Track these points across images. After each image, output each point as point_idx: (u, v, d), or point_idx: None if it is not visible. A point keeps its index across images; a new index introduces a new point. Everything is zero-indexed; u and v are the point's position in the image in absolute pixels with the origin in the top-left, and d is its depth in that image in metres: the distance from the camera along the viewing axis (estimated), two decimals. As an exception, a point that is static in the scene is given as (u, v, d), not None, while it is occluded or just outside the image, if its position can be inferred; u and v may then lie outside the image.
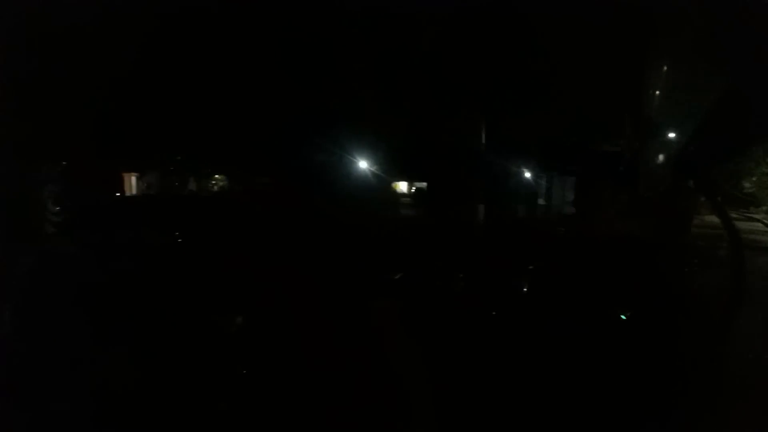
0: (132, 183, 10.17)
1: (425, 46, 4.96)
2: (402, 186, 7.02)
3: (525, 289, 4.44)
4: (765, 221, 10.78)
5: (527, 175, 5.67)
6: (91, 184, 5.85)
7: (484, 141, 5.24)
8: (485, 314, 4.04)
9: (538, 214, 5.72)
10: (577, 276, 4.37)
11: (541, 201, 5.81)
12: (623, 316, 3.71)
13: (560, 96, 5.09)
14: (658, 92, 4.11)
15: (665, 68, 3.87)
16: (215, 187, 7.87)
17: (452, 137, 5.15)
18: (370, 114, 5.35)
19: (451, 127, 5.17)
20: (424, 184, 5.76)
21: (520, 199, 5.47)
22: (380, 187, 5.15)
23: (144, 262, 4.23)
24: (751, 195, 11.37)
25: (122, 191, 9.00)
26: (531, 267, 4.60)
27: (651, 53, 3.97)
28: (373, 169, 5.07)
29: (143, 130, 5.97)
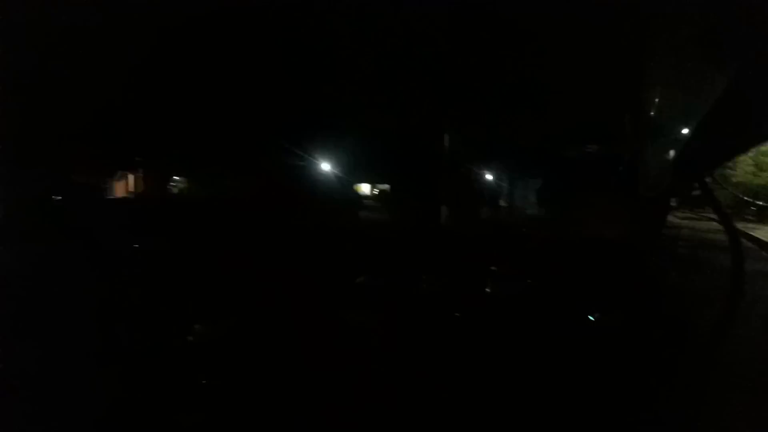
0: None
1: (387, 48, 4.94)
2: (365, 188, 6.98)
3: (488, 290, 4.46)
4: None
5: (489, 177, 5.72)
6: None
7: (446, 143, 5.25)
8: (449, 316, 4.04)
9: (501, 216, 5.78)
10: (541, 277, 4.42)
11: (503, 203, 5.87)
12: (591, 317, 3.73)
13: (524, 99, 5.14)
14: (641, 94, 4.13)
15: (644, 69, 3.90)
16: (174, 190, 7.68)
17: (415, 139, 5.15)
18: (332, 116, 5.30)
19: (414, 128, 5.17)
20: (386, 186, 5.75)
21: (482, 201, 5.51)
22: (342, 189, 5.11)
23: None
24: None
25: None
26: (494, 268, 4.63)
27: (625, 53, 4.00)
28: (335, 171, 5.02)
29: (102, 133, 5.77)
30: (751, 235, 11.73)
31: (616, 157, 4.60)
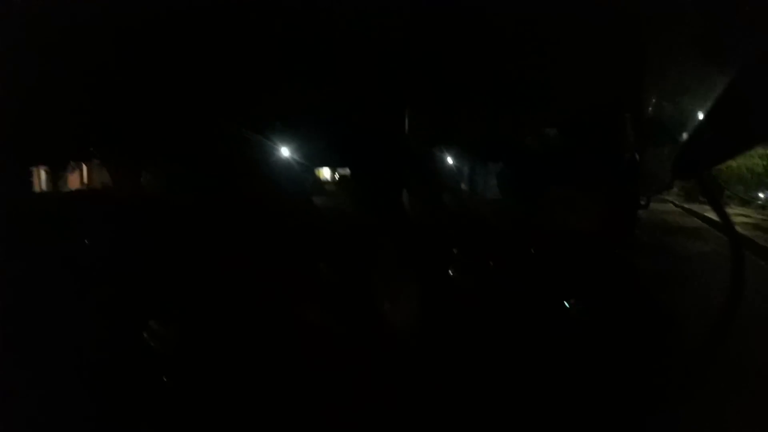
0: (41, 178, 9.44)
1: (347, 28, 4.84)
2: (325, 173, 6.89)
3: (450, 274, 4.46)
4: (675, 202, 11.61)
5: (451, 161, 5.71)
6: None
7: (407, 127, 5.20)
8: (410, 301, 4.02)
9: (463, 200, 5.79)
10: (503, 261, 4.45)
11: (464, 186, 5.89)
12: (566, 303, 3.73)
13: (487, 85, 5.13)
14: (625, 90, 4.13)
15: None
16: (130, 179, 7.42)
17: (376, 123, 5.08)
18: (290, 99, 5.17)
19: (375, 112, 5.10)
20: (347, 171, 5.66)
21: (445, 186, 5.51)
22: (302, 174, 5.01)
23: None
24: (663, 177, 12.17)
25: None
26: (455, 251, 4.63)
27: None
28: (294, 155, 4.91)
29: (48, 121, 5.51)
30: (705, 215, 12.17)
31: (585, 147, 4.64)
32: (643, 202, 4.30)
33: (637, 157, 4.11)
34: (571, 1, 3.70)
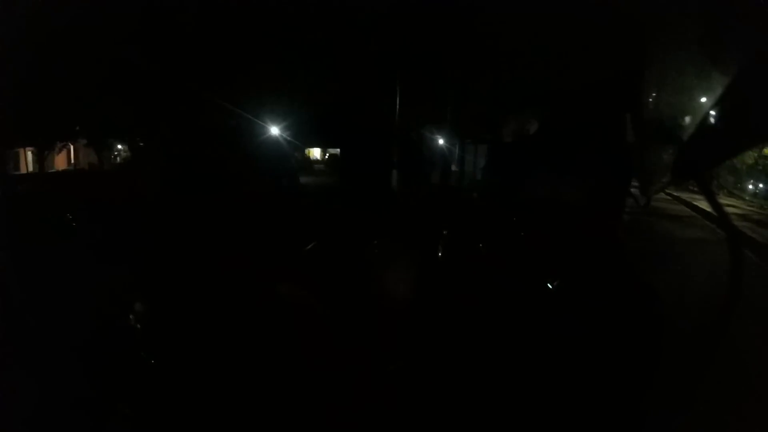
0: (27, 159, 9.30)
1: (338, 12, 4.80)
2: (315, 152, 6.89)
3: (440, 254, 4.45)
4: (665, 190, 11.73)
5: (441, 141, 5.70)
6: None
7: (397, 107, 5.18)
8: (401, 280, 4.01)
9: (452, 180, 5.80)
10: (492, 241, 4.44)
11: (454, 167, 5.89)
12: (549, 285, 3.71)
13: (475, 67, 5.11)
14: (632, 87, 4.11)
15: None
16: (118, 159, 7.35)
17: (365, 103, 5.06)
18: (281, 78, 5.14)
19: (365, 92, 5.07)
20: (337, 151, 5.65)
21: (433, 166, 5.50)
22: (292, 153, 4.98)
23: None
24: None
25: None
26: (445, 232, 4.63)
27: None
28: (284, 135, 4.88)
29: (37, 99, 5.44)
30: (694, 204, 12.28)
31: (572, 132, 4.63)
32: (642, 203, 4.29)
33: (630, 155, 4.12)
34: (573, 1, 3.69)
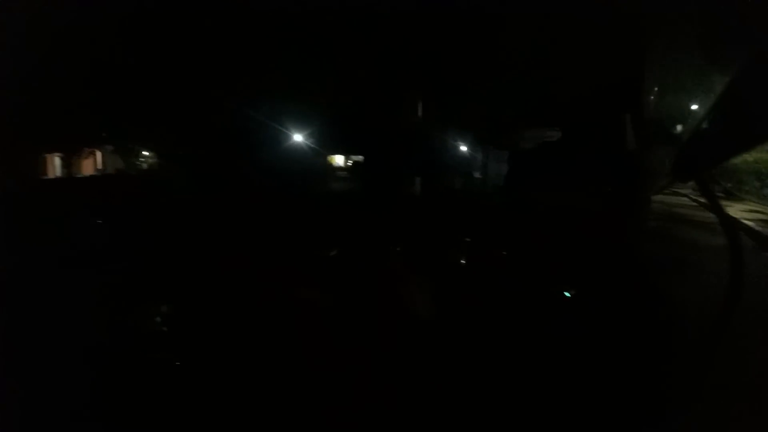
0: (55, 164, 9.52)
1: (363, 18, 4.82)
2: (338, 159, 6.92)
3: (462, 261, 4.44)
4: (691, 195, 11.44)
5: (463, 147, 5.68)
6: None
7: (420, 113, 5.19)
8: (423, 287, 4.00)
9: (475, 187, 5.76)
10: (515, 248, 4.41)
11: (477, 174, 5.86)
12: (567, 293, 3.69)
13: (499, 72, 5.10)
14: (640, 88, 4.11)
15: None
16: (144, 165, 7.48)
17: (389, 110, 5.07)
18: (306, 86, 5.18)
19: (388, 99, 5.08)
20: (360, 158, 5.67)
21: (456, 172, 5.48)
22: (316, 160, 5.01)
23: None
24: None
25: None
26: (468, 239, 4.61)
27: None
28: (309, 142, 4.92)
29: (65, 107, 5.58)
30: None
31: (595, 137, 4.60)
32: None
33: (636, 155, 4.07)
34: (575, 3, 3.68)
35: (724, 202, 12.57)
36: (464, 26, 4.78)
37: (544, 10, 4.01)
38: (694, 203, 12.57)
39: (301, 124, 4.83)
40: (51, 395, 2.62)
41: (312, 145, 4.86)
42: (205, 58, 4.94)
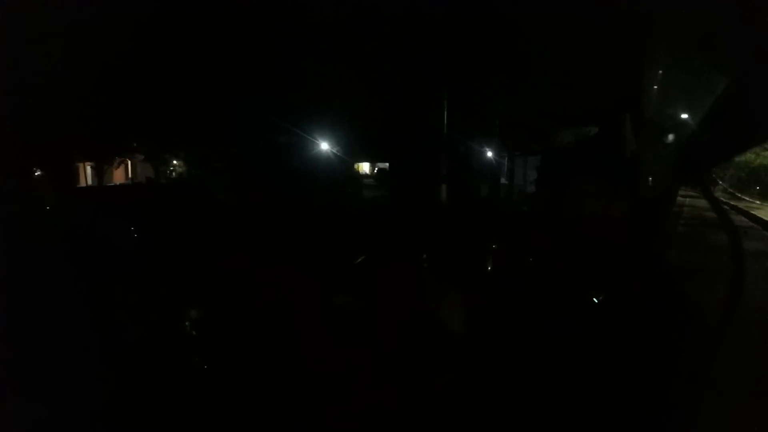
0: (87, 173, 9.79)
1: (387, 26, 4.87)
2: (364, 167, 6.97)
3: (490, 269, 4.43)
4: (722, 199, 11.25)
5: (489, 154, 5.68)
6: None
7: (446, 120, 5.20)
8: (450, 294, 4.01)
9: (501, 194, 5.75)
10: (543, 255, 4.39)
11: (503, 180, 5.84)
12: (595, 299, 3.66)
13: (524, 80, 5.09)
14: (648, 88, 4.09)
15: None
16: (173, 174, 7.64)
17: (415, 117, 5.10)
18: (332, 95, 5.24)
19: (414, 107, 5.12)
20: (386, 165, 5.70)
21: (482, 179, 5.48)
22: (342, 168, 5.06)
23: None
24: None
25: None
26: (495, 246, 4.60)
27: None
28: (334, 150, 4.97)
29: (95, 115, 5.72)
30: (752, 214, 11.69)
31: (618, 143, 4.56)
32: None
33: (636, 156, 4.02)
34: (577, 4, 3.67)
35: (751, 206, 12.27)
36: (493, 31, 4.78)
37: (564, 12, 4.01)
38: (725, 207, 12.32)
39: (327, 132, 4.89)
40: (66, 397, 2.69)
41: (338, 153, 4.91)
42: (233, 66, 5.04)
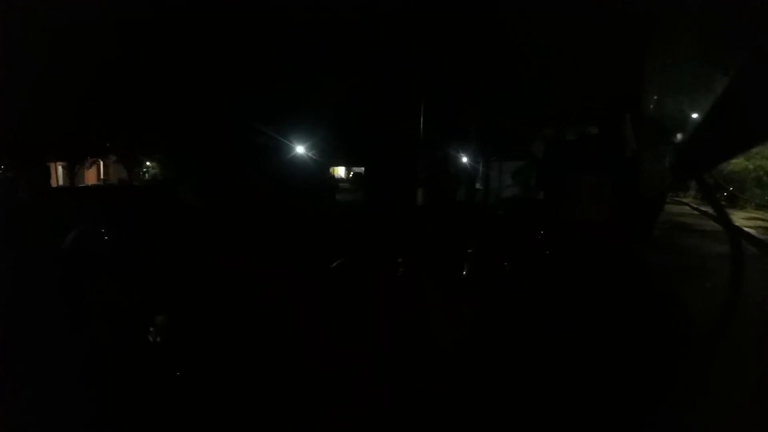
0: (58, 173, 9.57)
1: (363, 27, 4.85)
2: (340, 171, 6.98)
3: (464, 272, 4.43)
4: (692, 204, 11.47)
5: (465, 159, 5.71)
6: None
7: (422, 125, 5.21)
8: (425, 298, 3.99)
9: (477, 198, 5.78)
10: (519, 259, 4.40)
11: (479, 185, 5.89)
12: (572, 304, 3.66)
13: (499, 85, 5.13)
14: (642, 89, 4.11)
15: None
16: (146, 175, 7.51)
17: (390, 121, 5.10)
18: (307, 97, 5.21)
19: (389, 110, 5.12)
20: (362, 169, 5.68)
21: (458, 183, 5.49)
22: (317, 171, 5.03)
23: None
24: (680, 180, 12.14)
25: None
26: (470, 250, 4.60)
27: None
28: (309, 153, 4.94)
29: (66, 113, 5.60)
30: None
31: (605, 145, 4.59)
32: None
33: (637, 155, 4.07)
34: (575, 4, 3.69)
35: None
36: (465, 29, 4.78)
37: (547, 11, 4.01)
38: (695, 211, 12.59)
39: (302, 135, 4.85)
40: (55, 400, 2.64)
41: (314, 156, 4.88)
42: (207, 66, 4.97)
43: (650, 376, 2.84)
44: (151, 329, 3.38)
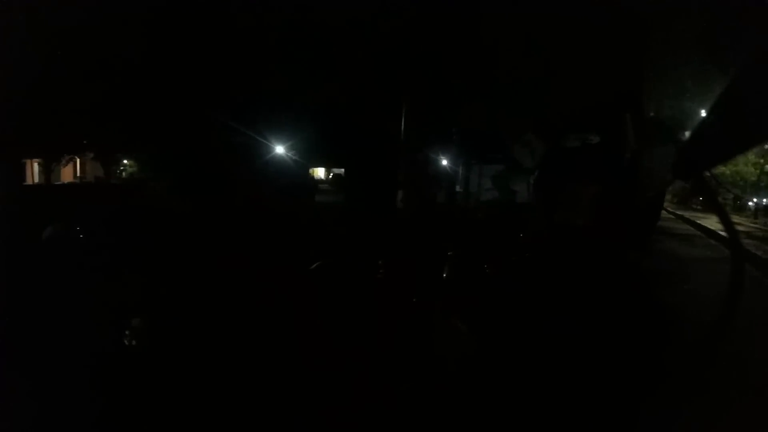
0: (34, 170, 9.36)
1: (345, 31, 4.84)
2: (320, 172, 6.94)
3: (444, 275, 4.44)
4: (668, 209, 11.71)
5: (445, 162, 5.72)
6: None
7: (402, 128, 5.21)
8: (406, 300, 3.99)
9: (457, 201, 5.80)
10: (498, 261, 4.43)
11: (458, 188, 5.90)
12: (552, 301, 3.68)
13: (480, 88, 5.14)
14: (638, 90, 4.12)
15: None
16: (123, 174, 7.39)
17: (370, 124, 5.08)
18: (288, 100, 5.17)
19: (370, 113, 5.10)
20: (341, 171, 5.68)
21: (438, 186, 5.50)
22: (298, 172, 4.99)
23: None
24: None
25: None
26: (450, 252, 4.62)
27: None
28: (289, 154, 4.91)
29: (46, 113, 5.50)
30: (698, 223, 12.27)
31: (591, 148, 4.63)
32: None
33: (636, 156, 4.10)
34: (572, 3, 3.70)
35: (697, 215, 12.82)
36: (453, 33, 4.79)
37: (542, 12, 4.02)
38: (671, 215, 12.84)
39: (282, 137, 4.83)
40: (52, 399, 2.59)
41: (293, 157, 4.86)
42: (187, 66, 4.91)
43: (632, 380, 2.88)
44: (127, 329, 3.33)
